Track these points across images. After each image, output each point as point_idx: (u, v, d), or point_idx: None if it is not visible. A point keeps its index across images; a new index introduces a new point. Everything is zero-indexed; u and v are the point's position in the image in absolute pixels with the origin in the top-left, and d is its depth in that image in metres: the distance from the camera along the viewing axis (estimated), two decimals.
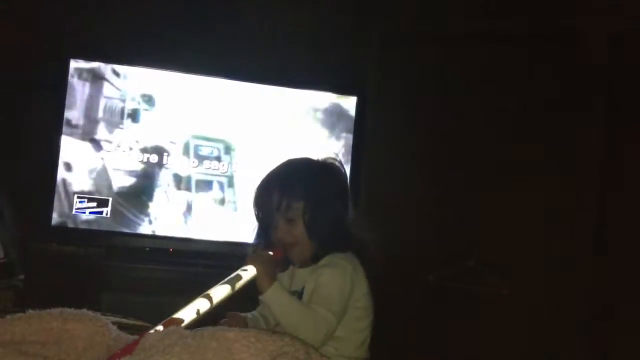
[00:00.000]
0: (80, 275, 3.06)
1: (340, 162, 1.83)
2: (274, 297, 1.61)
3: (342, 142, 3.33)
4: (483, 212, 3.25)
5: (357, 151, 3.34)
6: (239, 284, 1.58)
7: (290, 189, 1.69)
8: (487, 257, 3.23)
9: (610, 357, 3.01)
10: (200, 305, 1.47)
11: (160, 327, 1.34)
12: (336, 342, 1.65)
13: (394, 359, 1.86)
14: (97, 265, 3.12)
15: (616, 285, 3.04)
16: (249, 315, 1.82)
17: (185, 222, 3.23)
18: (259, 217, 1.77)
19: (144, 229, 3.20)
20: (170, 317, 1.42)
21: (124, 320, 2.09)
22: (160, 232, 3.21)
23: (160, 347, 1.17)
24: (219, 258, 3.14)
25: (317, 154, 1.83)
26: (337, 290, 1.65)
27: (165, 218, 3.21)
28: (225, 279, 1.58)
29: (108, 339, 1.34)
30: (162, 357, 1.12)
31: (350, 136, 3.34)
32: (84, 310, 1.41)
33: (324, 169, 1.79)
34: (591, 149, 3.11)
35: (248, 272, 1.62)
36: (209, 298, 1.49)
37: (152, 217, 3.19)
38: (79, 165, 3.13)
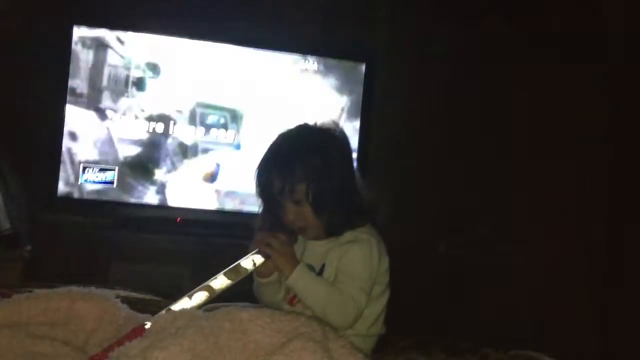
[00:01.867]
0: (88, 246, 3.04)
1: (339, 126, 1.73)
2: (299, 281, 1.55)
3: (348, 109, 3.26)
4: (496, 179, 3.21)
5: (366, 119, 3.27)
6: (241, 275, 1.52)
7: (290, 170, 1.59)
8: (500, 225, 3.20)
9: (624, 326, 2.99)
10: (199, 297, 1.41)
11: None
12: None
13: (404, 331, 1.83)
14: (104, 236, 3.09)
15: (630, 254, 3.01)
16: None
17: (193, 191, 3.18)
18: (264, 201, 1.69)
19: (151, 198, 3.15)
20: (168, 308, 1.36)
21: (134, 295, 2.06)
22: (167, 202, 3.17)
23: (172, 330, 1.13)
24: (226, 228, 3.12)
25: (314, 120, 1.72)
26: (366, 267, 1.59)
27: (172, 187, 3.16)
28: (229, 268, 1.51)
29: (118, 319, 1.30)
30: (174, 339, 1.08)
31: (358, 102, 3.27)
32: (93, 289, 1.37)
33: (323, 139, 1.67)
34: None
35: (255, 260, 1.55)
36: (210, 290, 1.43)
37: (159, 187, 3.15)
38: (85, 134, 3.07)
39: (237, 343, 1.17)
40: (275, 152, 1.67)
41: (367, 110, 3.28)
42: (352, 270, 1.58)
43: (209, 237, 3.14)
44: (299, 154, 1.62)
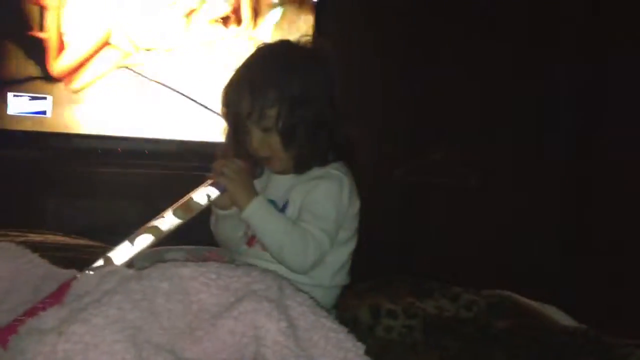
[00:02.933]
0: (23, 182, 2.80)
1: (329, 49, 1.51)
2: (255, 214, 1.34)
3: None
4: (452, 102, 3.06)
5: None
6: (193, 212, 1.30)
7: (263, 92, 1.37)
8: (455, 149, 3.07)
9: (581, 251, 2.93)
10: (143, 242, 1.20)
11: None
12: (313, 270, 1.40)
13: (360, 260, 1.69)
14: (40, 171, 2.85)
15: (592, 172, 2.92)
16: None
17: (136, 119, 2.94)
18: (229, 124, 1.46)
19: (90, 128, 2.91)
20: (105, 256, 1.15)
21: (67, 240, 1.87)
22: (107, 132, 2.93)
23: (96, 295, 0.93)
24: (173, 158, 2.92)
25: (300, 38, 1.50)
26: (333, 207, 1.38)
27: (115, 116, 2.91)
28: (179, 204, 1.28)
29: (35, 279, 1.10)
30: (97, 309, 0.88)
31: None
32: (3, 244, 1.15)
33: (306, 62, 1.45)
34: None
35: (210, 193, 1.33)
36: (156, 231, 1.22)
37: (98, 115, 2.89)
38: (12, 57, 2.78)
39: (177, 305, 0.98)
40: (248, 69, 1.45)
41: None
42: (317, 209, 1.38)
43: (154, 168, 2.93)
44: (275, 75, 1.40)
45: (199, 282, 1.01)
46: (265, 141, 1.39)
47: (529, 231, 3.06)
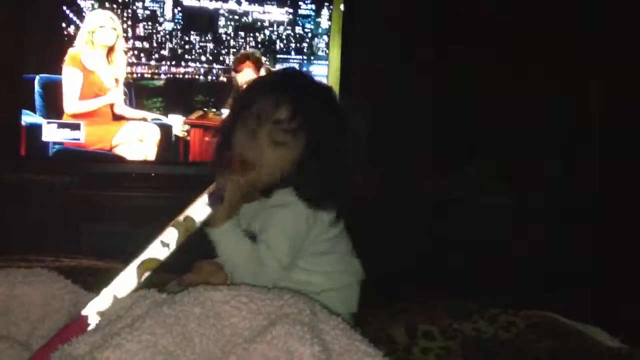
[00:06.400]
0: (57, 207, 2.83)
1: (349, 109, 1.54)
2: (224, 236, 1.33)
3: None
4: (483, 117, 3.03)
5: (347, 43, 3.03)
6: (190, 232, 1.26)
7: (304, 101, 1.36)
8: (488, 164, 3.04)
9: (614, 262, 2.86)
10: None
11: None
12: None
13: (387, 275, 1.63)
14: (74, 195, 2.88)
15: (621, 189, 2.88)
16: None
17: (166, 144, 2.95)
18: (235, 116, 1.43)
19: (122, 153, 2.93)
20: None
21: (99, 264, 1.87)
22: (141, 157, 2.95)
23: (128, 320, 0.93)
24: (207, 182, 2.91)
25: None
26: (289, 236, 1.36)
27: (146, 141, 2.93)
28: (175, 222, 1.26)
29: (68, 305, 1.09)
30: (130, 334, 0.87)
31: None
32: (37, 270, 1.15)
33: (330, 91, 1.48)
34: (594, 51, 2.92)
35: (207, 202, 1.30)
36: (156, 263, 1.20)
37: (131, 141, 2.92)
38: (46, 88, 2.82)
39: (210, 330, 0.97)
40: (287, 76, 1.51)
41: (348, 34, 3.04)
42: (270, 240, 1.36)
43: (188, 192, 2.93)
44: (318, 99, 1.42)
45: (230, 305, 1.00)
46: (266, 148, 1.36)
47: (562, 249, 3.01)
